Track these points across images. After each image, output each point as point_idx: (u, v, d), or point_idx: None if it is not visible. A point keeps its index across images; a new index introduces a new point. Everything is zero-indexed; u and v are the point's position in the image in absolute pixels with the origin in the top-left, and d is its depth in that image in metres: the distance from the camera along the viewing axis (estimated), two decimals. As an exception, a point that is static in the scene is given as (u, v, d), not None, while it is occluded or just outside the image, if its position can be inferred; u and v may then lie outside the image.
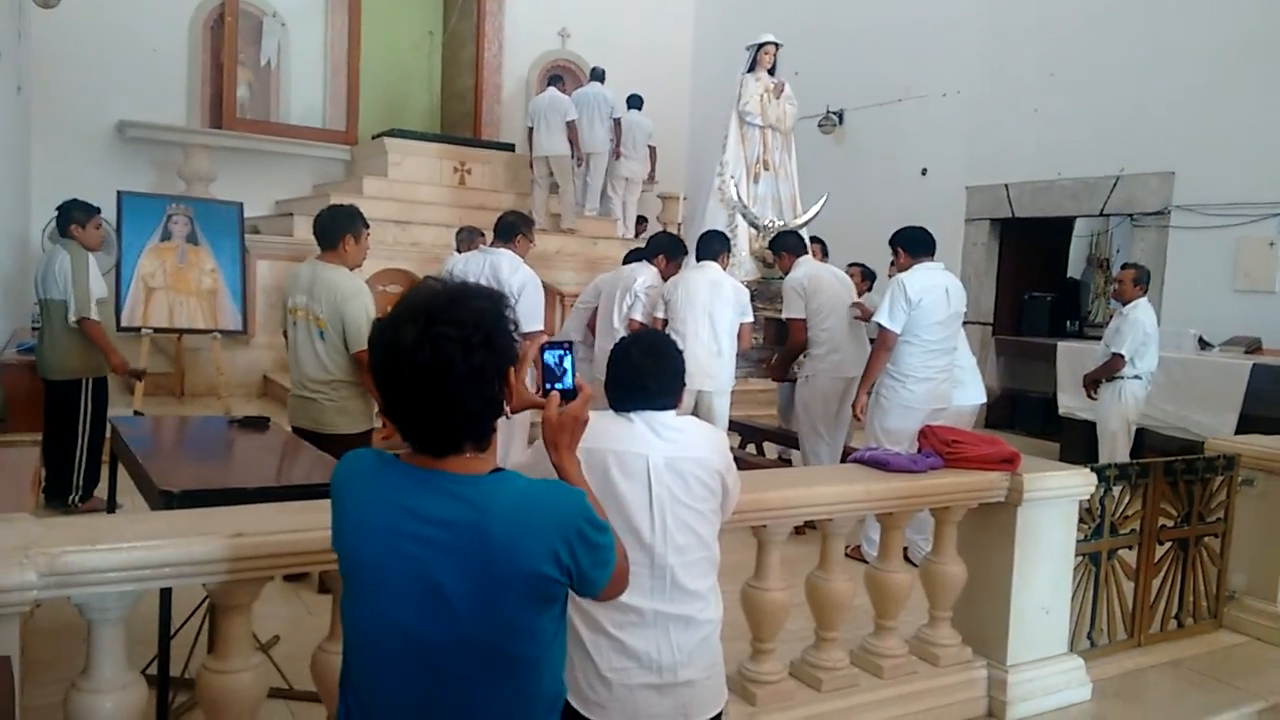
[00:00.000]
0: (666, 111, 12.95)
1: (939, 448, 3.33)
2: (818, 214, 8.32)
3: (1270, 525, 4.18)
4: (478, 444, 1.50)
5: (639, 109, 11.11)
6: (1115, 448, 6.05)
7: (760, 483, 2.99)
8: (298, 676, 3.02)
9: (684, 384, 2.35)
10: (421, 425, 1.46)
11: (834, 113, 11.13)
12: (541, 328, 5.02)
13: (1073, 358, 7.50)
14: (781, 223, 8.14)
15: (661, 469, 2.16)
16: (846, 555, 3.64)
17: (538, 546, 1.43)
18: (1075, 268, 11.29)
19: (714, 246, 5.62)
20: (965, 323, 5.20)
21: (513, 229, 5.06)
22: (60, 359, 5.21)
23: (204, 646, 2.83)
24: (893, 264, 5.14)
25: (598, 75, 10.97)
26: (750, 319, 5.54)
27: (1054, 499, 3.36)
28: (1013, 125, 9.31)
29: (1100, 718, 3.39)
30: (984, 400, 5.59)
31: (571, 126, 10.32)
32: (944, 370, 4.89)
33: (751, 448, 6.56)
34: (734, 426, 6.00)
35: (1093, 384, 6.18)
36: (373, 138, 11.01)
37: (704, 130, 13.05)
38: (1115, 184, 8.45)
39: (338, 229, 4.12)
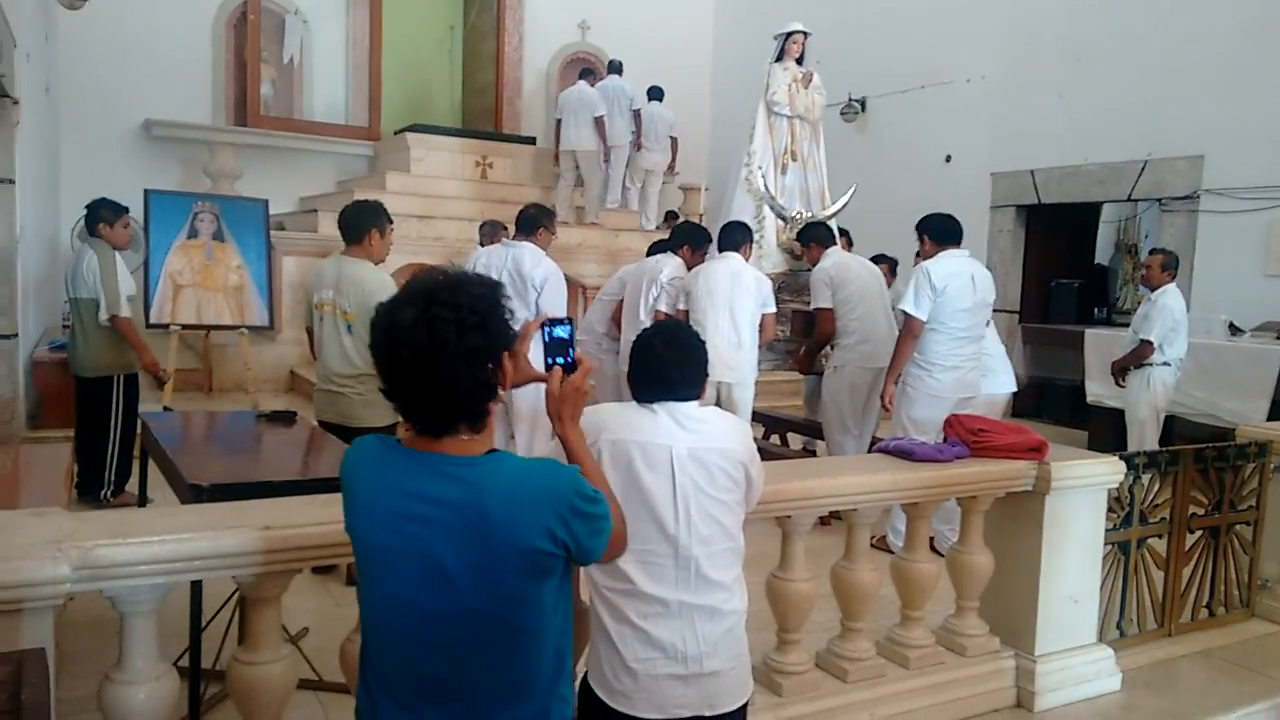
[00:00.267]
0: (688, 102, 12.90)
1: (965, 437, 3.31)
2: (846, 205, 8.25)
3: (1303, 513, 4.13)
4: (472, 425, 1.56)
5: (660, 100, 11.07)
6: (1144, 435, 5.99)
7: (784, 473, 2.98)
8: (327, 668, 3.05)
9: (707, 375, 2.34)
10: (418, 405, 1.54)
11: (856, 100, 11.06)
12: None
13: (1101, 345, 7.43)
14: (809, 214, 8.09)
15: (685, 460, 2.16)
16: (872, 545, 3.62)
17: (532, 523, 1.50)
18: (1103, 254, 11.15)
19: (736, 237, 5.59)
20: (992, 310, 5.15)
21: (534, 222, 5.07)
22: (91, 356, 5.28)
23: (234, 638, 2.87)
24: (918, 254, 5.10)
25: (615, 68, 10.95)
26: (772, 310, 5.50)
27: (1082, 488, 3.33)
28: (1038, 110, 9.21)
29: (1130, 708, 3.36)
30: (1014, 389, 5.54)
31: (600, 122, 10.35)
32: (971, 358, 4.85)
33: (775, 439, 6.54)
34: (758, 417, 5.98)
35: (1121, 371, 6.11)
36: (395, 133, 11.06)
37: (725, 120, 13.02)
38: (1143, 168, 8.34)
39: (363, 224, 4.15)
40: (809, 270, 5.96)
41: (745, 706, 2.23)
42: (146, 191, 7.60)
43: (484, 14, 12.52)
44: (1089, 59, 8.78)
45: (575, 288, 8.77)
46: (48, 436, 5.90)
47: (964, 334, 4.77)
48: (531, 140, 11.76)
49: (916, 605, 3.27)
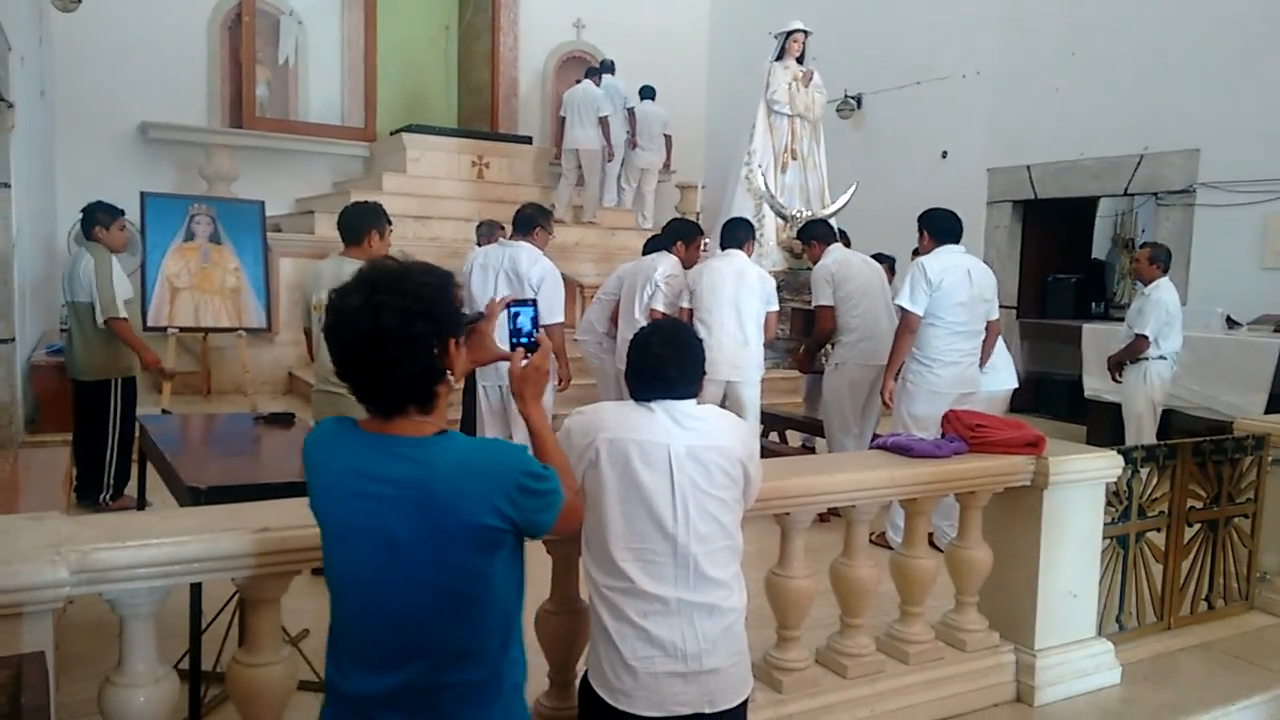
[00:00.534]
0: (683, 100, 12.91)
1: (963, 432, 3.31)
2: (846, 204, 8.23)
3: (1302, 505, 4.14)
4: (421, 406, 1.64)
5: (652, 99, 11.10)
6: (1141, 429, 6.00)
7: (782, 470, 2.98)
8: (327, 669, 3.05)
9: (704, 372, 2.35)
10: (366, 387, 1.62)
11: (852, 97, 11.06)
12: (562, 319, 5.02)
13: (1098, 340, 7.43)
14: (809, 213, 8.07)
15: (683, 458, 2.17)
16: (871, 542, 3.63)
17: (479, 500, 1.58)
18: (1100, 248, 11.17)
19: (739, 235, 5.58)
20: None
21: (531, 221, 5.07)
22: (89, 360, 5.28)
23: (234, 641, 2.87)
24: (915, 251, 5.10)
25: (607, 67, 10.98)
26: (775, 308, 5.49)
27: (1080, 482, 3.33)
28: (1034, 105, 9.21)
29: (1130, 701, 3.37)
30: (1015, 385, 5.53)
31: (604, 121, 10.37)
32: (970, 354, 4.85)
33: (774, 436, 6.54)
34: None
35: (1117, 366, 6.12)
36: (391, 134, 11.06)
37: (721, 118, 13.01)
38: (1139, 163, 8.35)
39: (363, 225, 4.16)
40: (809, 269, 5.95)
41: (745, 703, 2.23)
42: (143, 194, 7.59)
43: (479, 13, 12.51)
44: (1084, 53, 8.79)
45: (573, 287, 8.76)
46: (46, 440, 5.90)
47: (962, 329, 4.78)
48: (528, 140, 11.76)
49: (916, 601, 3.27)
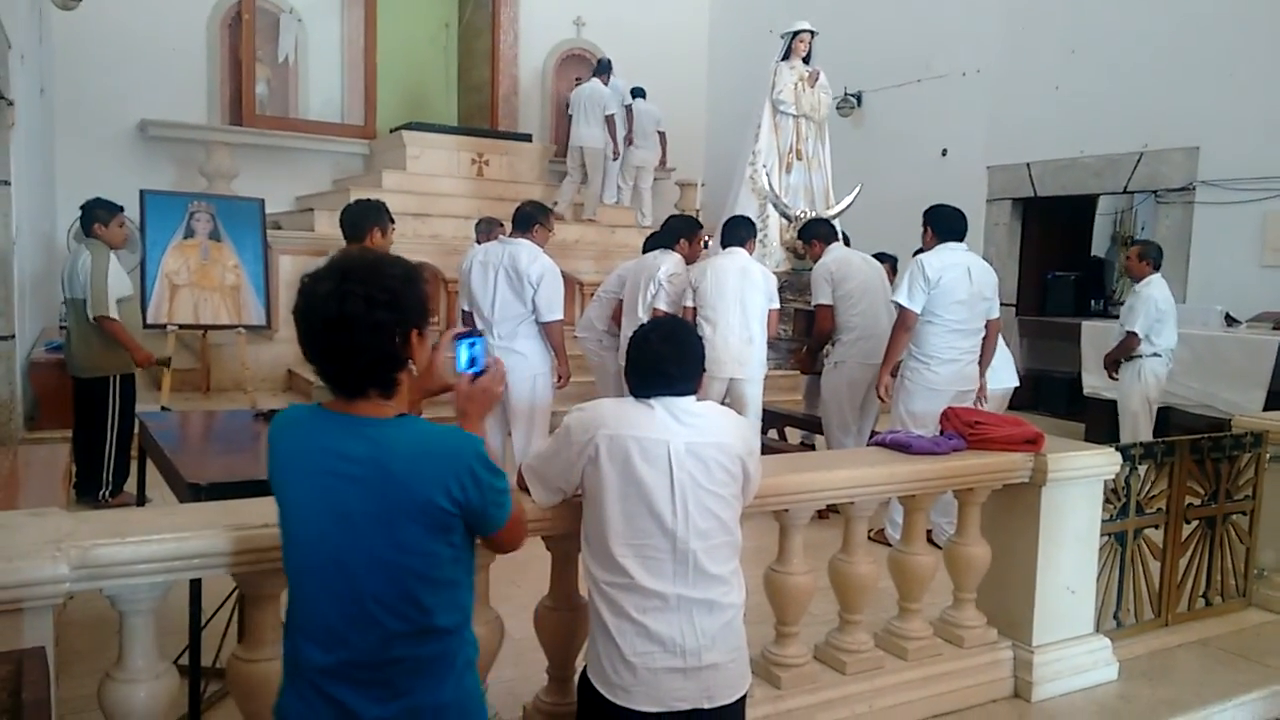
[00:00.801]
0: (683, 98, 12.91)
1: (962, 429, 3.32)
2: (850, 205, 8.22)
3: (1300, 502, 4.14)
4: (383, 391, 1.70)
5: (644, 98, 11.13)
6: (1137, 427, 6.01)
7: (781, 467, 2.99)
8: (327, 665, 3.05)
9: (704, 369, 2.36)
10: (329, 369, 1.68)
11: (852, 95, 11.06)
12: (561, 317, 5.03)
13: (1097, 337, 7.44)
14: (813, 214, 8.06)
15: (683, 454, 2.17)
16: (870, 539, 3.63)
17: (431, 479, 1.64)
18: (1099, 246, 11.19)
19: (740, 233, 5.56)
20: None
21: (530, 219, 5.07)
22: (88, 357, 5.28)
23: (234, 636, 2.87)
24: (918, 252, 5.09)
25: (605, 66, 11.02)
26: (778, 305, 5.48)
27: (1078, 479, 3.34)
28: (1034, 103, 9.21)
29: (1127, 697, 3.38)
30: (1016, 384, 5.52)
31: (610, 120, 10.39)
32: (969, 351, 4.84)
33: (774, 433, 6.54)
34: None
35: (1112, 364, 6.15)
36: (391, 131, 11.05)
37: (721, 115, 13.02)
38: (1139, 160, 8.35)
39: (365, 222, 4.17)
40: (812, 269, 5.93)
41: (744, 699, 2.24)
42: (142, 192, 7.59)
43: (479, 11, 12.51)
44: (1084, 51, 8.79)
45: (572, 284, 8.76)
46: (45, 437, 5.90)
47: (960, 326, 4.77)
48: (527, 137, 11.76)
49: (914, 597, 3.28)
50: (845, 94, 11.00)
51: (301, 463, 1.70)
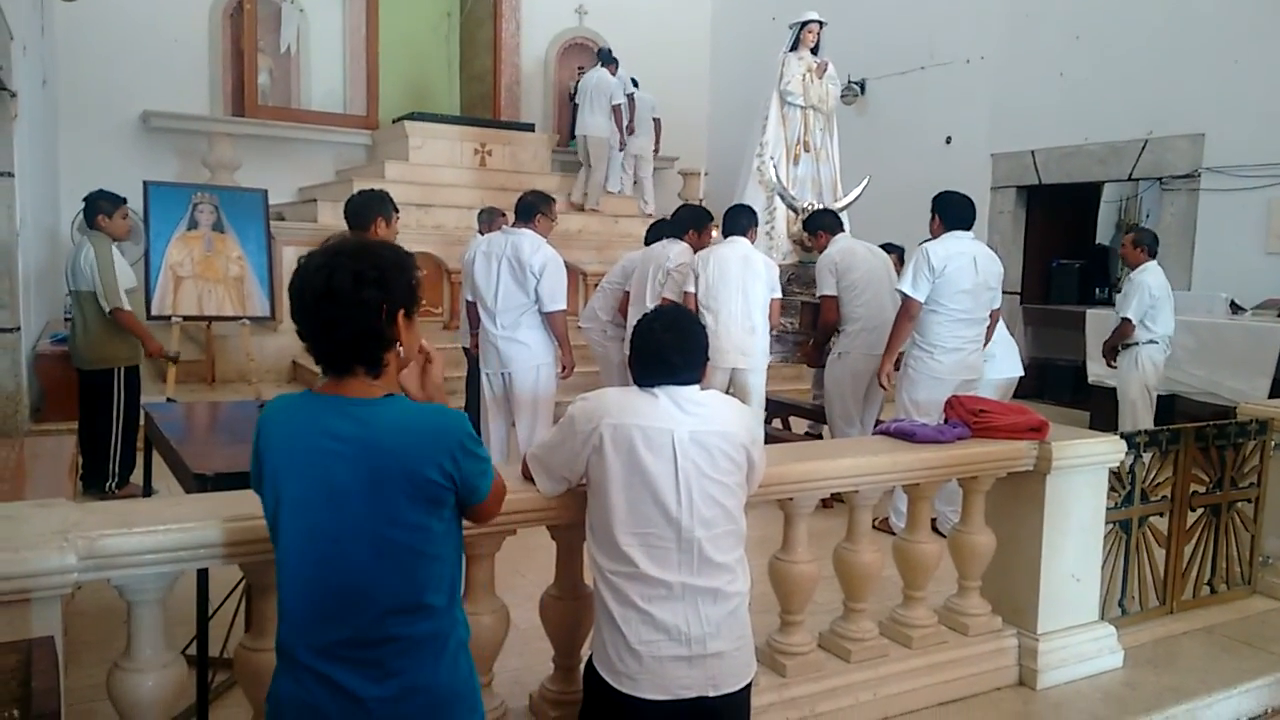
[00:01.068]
0: (685, 86, 12.88)
1: (966, 418, 3.31)
2: (859, 198, 8.18)
3: (1305, 489, 4.14)
4: (370, 370, 1.74)
5: (637, 87, 11.12)
6: (1135, 415, 6.02)
7: (786, 456, 2.99)
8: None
9: (707, 358, 2.36)
10: (318, 343, 1.73)
11: (855, 83, 11.02)
12: (564, 307, 5.02)
13: (1101, 325, 7.41)
14: (821, 206, 8.01)
15: (687, 443, 2.17)
16: (874, 527, 3.64)
17: (422, 454, 1.68)
18: (1104, 234, 11.14)
19: (742, 221, 5.52)
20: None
21: (532, 209, 5.06)
22: (93, 349, 5.29)
23: (241, 626, 2.89)
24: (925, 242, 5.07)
25: (605, 55, 11.00)
26: (779, 295, 5.45)
27: (1083, 467, 3.34)
28: (1038, 90, 9.17)
29: (1132, 685, 3.38)
30: (1020, 373, 5.50)
31: (617, 110, 10.38)
32: (973, 340, 4.83)
33: (778, 422, 6.54)
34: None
35: (1110, 352, 6.17)
36: (393, 122, 11.03)
37: (724, 104, 12.98)
38: (1143, 147, 8.31)
39: (370, 212, 4.17)
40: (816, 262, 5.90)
41: (749, 687, 2.25)
42: (145, 183, 7.59)
43: (481, 1, 12.47)
44: (1089, 37, 8.74)
45: (575, 275, 8.77)
46: (51, 429, 5.92)
47: (964, 315, 4.76)
48: (530, 127, 11.74)
49: (919, 585, 3.29)
50: (849, 82, 10.95)
51: (291, 445, 1.72)
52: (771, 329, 5.48)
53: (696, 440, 2.18)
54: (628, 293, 5.99)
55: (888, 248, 6.04)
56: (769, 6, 11.82)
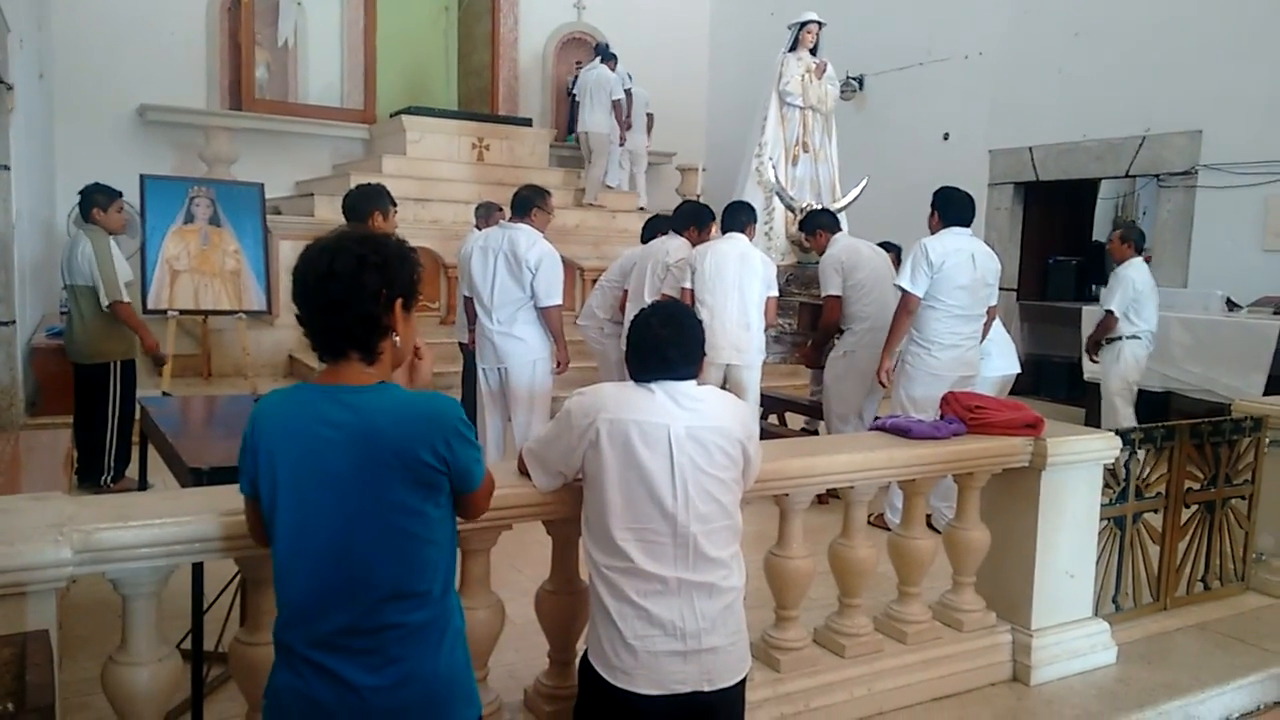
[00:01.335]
0: (684, 81, 12.86)
1: (962, 414, 3.32)
2: (857, 198, 8.16)
3: (1299, 487, 4.15)
4: (364, 357, 1.75)
5: (632, 82, 11.12)
6: (1115, 410, 6.06)
7: (782, 451, 2.99)
8: (329, 649, 3.06)
9: (704, 354, 2.36)
10: (316, 325, 1.75)
11: (854, 78, 11.01)
12: (560, 302, 5.02)
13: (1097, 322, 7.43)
14: (820, 206, 7.99)
15: (683, 438, 2.18)
16: (870, 523, 3.64)
17: (417, 438, 1.69)
18: (1101, 230, 11.14)
19: (740, 218, 5.51)
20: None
21: (528, 203, 5.06)
22: (88, 343, 5.29)
23: (236, 620, 2.89)
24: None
25: (602, 50, 10.98)
26: (776, 293, 5.43)
27: (1078, 463, 3.34)
28: (1036, 87, 9.17)
29: (1126, 681, 3.39)
30: (1018, 370, 5.49)
31: (618, 105, 10.38)
32: (970, 337, 4.83)
33: (774, 418, 6.54)
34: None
35: (1094, 346, 6.22)
36: (391, 116, 11.01)
37: (723, 99, 12.96)
38: (1141, 144, 8.32)
39: (367, 206, 4.16)
40: (818, 263, 5.87)
41: (743, 682, 2.25)
42: (142, 177, 7.58)
43: (478, -6, 12.46)
44: (1087, 34, 8.74)
45: (572, 270, 8.75)
46: (47, 423, 5.91)
47: (962, 312, 4.76)
48: (528, 122, 11.72)
49: (914, 581, 3.29)
50: (847, 78, 10.94)
51: (286, 435, 1.73)
52: (767, 327, 5.46)
53: (693, 435, 2.19)
54: (627, 290, 5.98)
55: (885, 246, 6.04)
56: (768, 2, 11.81)
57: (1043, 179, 9.22)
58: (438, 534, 1.76)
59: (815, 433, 6.29)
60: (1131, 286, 5.97)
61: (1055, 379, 8.93)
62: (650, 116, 11.54)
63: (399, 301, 1.76)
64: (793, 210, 8.13)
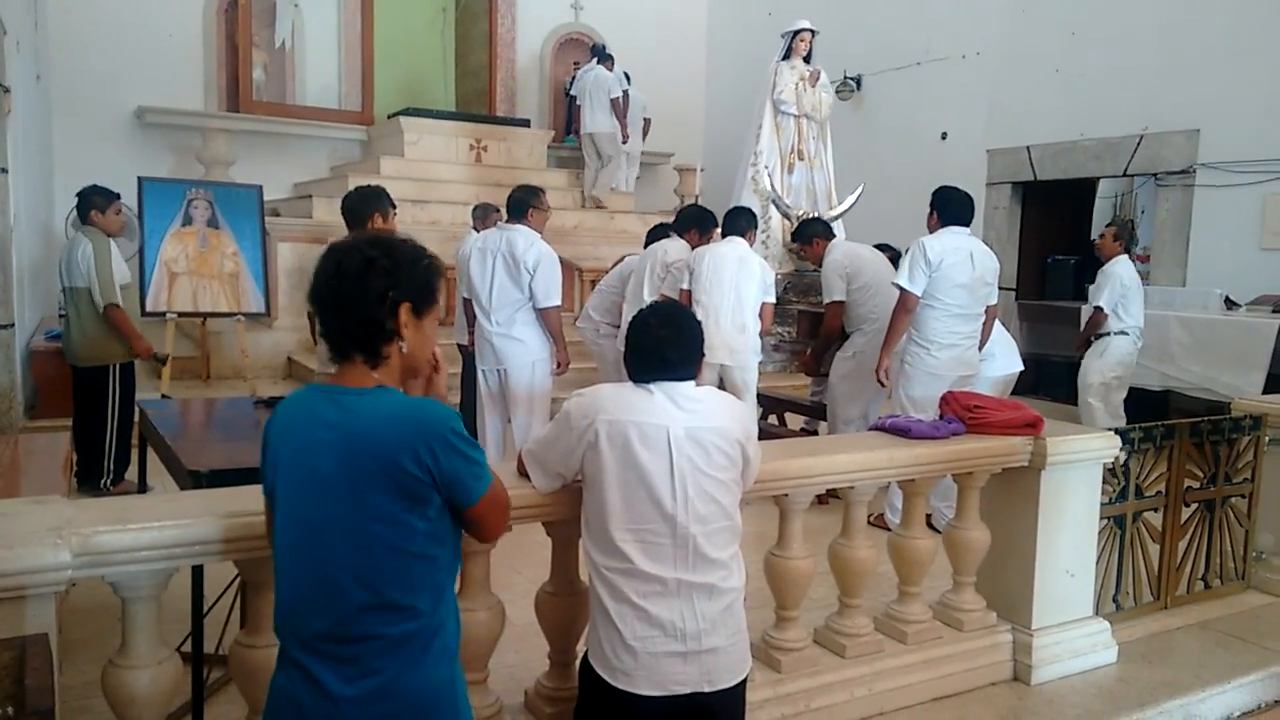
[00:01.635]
0: (682, 81, 12.88)
1: (961, 413, 3.32)
2: (853, 205, 8.15)
3: (1299, 485, 4.15)
4: (368, 359, 1.74)
5: (629, 83, 11.12)
6: (1090, 407, 6.09)
7: (781, 452, 2.99)
8: (329, 651, 3.06)
9: (703, 354, 2.35)
10: (324, 325, 1.75)
11: (851, 78, 11.01)
12: (558, 303, 5.02)
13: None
14: (815, 214, 7.98)
15: (682, 439, 2.17)
16: (870, 523, 3.64)
17: (397, 444, 1.64)
18: (1099, 230, 11.13)
19: (740, 222, 5.52)
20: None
21: (523, 205, 5.06)
22: (87, 346, 5.28)
23: (236, 623, 2.88)
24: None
25: (599, 51, 10.99)
26: (773, 299, 5.41)
27: (1078, 462, 3.34)
28: (1034, 86, 9.18)
29: (1126, 680, 3.39)
30: (1020, 368, 5.48)
31: (616, 103, 10.38)
32: (969, 336, 4.83)
33: (774, 419, 6.54)
34: (757, 398, 5.95)
35: (1083, 343, 6.22)
36: (389, 117, 11.02)
37: (720, 100, 12.97)
38: (1139, 143, 8.32)
39: (367, 208, 4.17)
40: (816, 270, 5.84)
41: (744, 683, 2.25)
42: (140, 179, 7.58)
43: (476, -5, 12.46)
44: (1084, 33, 8.74)
45: (571, 271, 8.76)
46: (46, 426, 5.90)
47: (960, 311, 4.75)
48: (525, 122, 11.73)
49: (914, 581, 3.29)
50: (845, 77, 10.96)
51: (289, 434, 1.74)
52: (762, 333, 5.45)
53: (692, 436, 2.18)
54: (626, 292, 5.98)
55: (881, 248, 6.04)
56: (765, 1, 11.82)
57: (1041, 178, 9.23)
58: (425, 547, 1.69)
59: (814, 433, 6.29)
60: (1119, 283, 6.02)
61: (1054, 378, 8.92)
62: (647, 121, 11.53)
63: (406, 306, 1.73)
64: (789, 218, 8.13)
